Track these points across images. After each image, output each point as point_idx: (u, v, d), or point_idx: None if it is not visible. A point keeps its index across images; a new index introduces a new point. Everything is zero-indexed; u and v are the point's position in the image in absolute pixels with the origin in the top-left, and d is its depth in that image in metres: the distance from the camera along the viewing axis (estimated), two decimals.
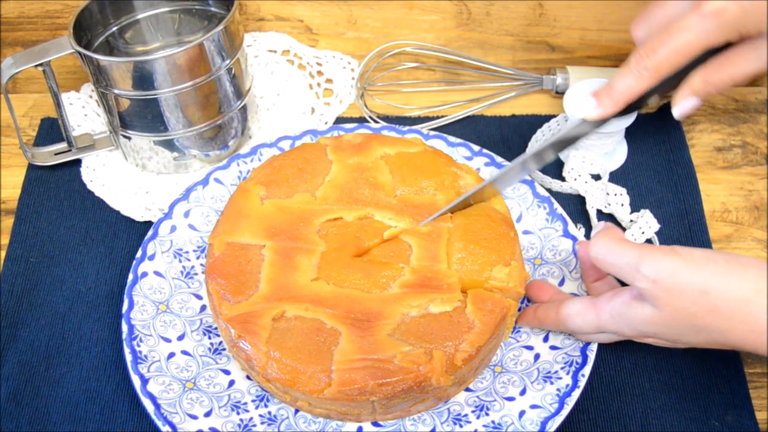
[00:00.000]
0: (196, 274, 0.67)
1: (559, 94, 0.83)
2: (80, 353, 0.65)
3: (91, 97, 0.82)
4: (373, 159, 0.69)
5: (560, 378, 0.60)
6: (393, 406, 0.57)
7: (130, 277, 0.66)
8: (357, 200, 0.66)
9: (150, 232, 0.68)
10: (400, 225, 0.64)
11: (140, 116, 0.71)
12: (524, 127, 0.81)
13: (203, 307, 0.66)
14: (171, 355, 0.62)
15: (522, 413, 0.58)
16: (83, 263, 0.71)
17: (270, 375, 0.57)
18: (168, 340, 0.63)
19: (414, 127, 0.76)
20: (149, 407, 0.58)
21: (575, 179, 0.73)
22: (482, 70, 0.85)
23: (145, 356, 0.61)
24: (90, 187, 0.76)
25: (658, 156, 0.77)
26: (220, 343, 0.64)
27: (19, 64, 0.68)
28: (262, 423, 0.59)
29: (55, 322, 0.67)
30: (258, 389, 0.61)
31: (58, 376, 0.64)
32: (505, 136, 0.81)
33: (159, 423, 0.58)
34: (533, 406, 0.59)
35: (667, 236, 0.71)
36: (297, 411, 0.60)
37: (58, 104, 0.73)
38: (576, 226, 0.71)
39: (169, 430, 0.57)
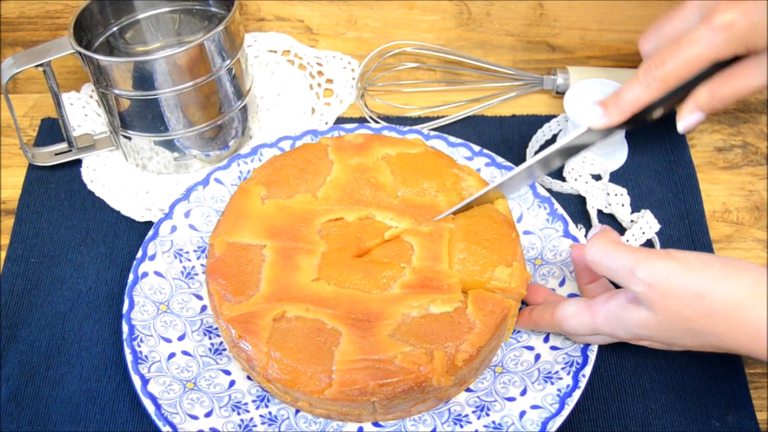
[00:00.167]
0: (196, 274, 0.67)
1: (560, 94, 0.83)
2: (81, 353, 0.65)
3: (91, 97, 0.82)
4: (374, 159, 0.69)
5: (561, 378, 0.60)
6: (393, 406, 0.57)
7: (131, 277, 0.66)
8: (358, 201, 0.66)
9: (150, 233, 0.68)
10: (401, 226, 0.64)
11: (141, 116, 0.71)
12: (525, 127, 0.81)
13: (204, 308, 0.66)
14: (171, 355, 0.62)
15: (523, 413, 0.58)
16: (84, 263, 0.71)
17: (270, 375, 0.57)
18: (168, 341, 0.63)
19: (414, 128, 0.76)
20: (150, 407, 0.58)
21: (576, 179, 0.73)
22: (482, 70, 0.85)
23: (146, 356, 0.61)
24: (90, 187, 0.76)
25: (658, 156, 0.77)
26: (221, 343, 0.64)
27: (20, 64, 0.68)
28: (263, 423, 0.59)
29: (55, 323, 0.67)
30: (258, 389, 0.61)
31: (58, 376, 0.64)
32: (505, 137, 0.81)
33: (159, 423, 0.58)
34: (534, 407, 0.59)
35: (667, 236, 0.71)
36: (297, 411, 0.60)
37: (58, 104, 0.73)
38: (576, 227, 0.71)
39: (170, 430, 0.57)
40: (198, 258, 0.68)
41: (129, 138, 0.74)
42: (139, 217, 0.73)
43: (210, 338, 0.64)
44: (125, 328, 0.63)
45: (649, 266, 0.51)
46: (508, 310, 0.60)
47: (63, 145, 0.76)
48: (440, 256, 0.62)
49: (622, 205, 0.72)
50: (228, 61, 0.71)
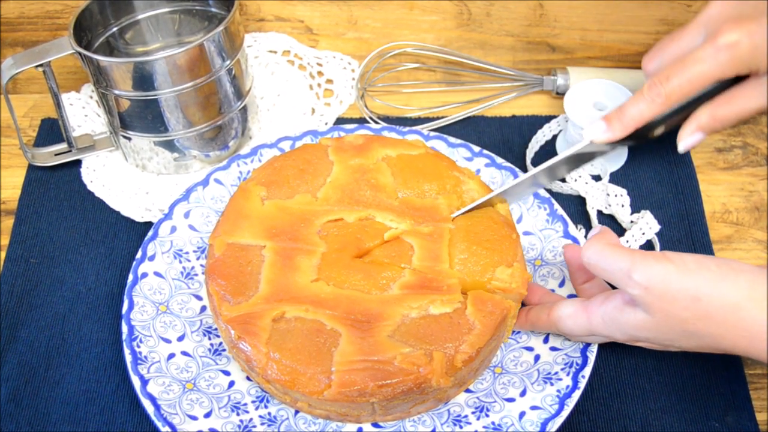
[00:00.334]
0: (196, 274, 0.67)
1: (560, 94, 0.83)
2: (80, 354, 0.65)
3: (91, 97, 0.82)
4: (374, 160, 0.69)
5: (560, 379, 0.60)
6: (393, 407, 0.57)
7: (130, 277, 0.66)
8: (358, 201, 0.66)
9: (150, 233, 0.68)
10: (401, 227, 0.64)
11: (140, 117, 0.71)
12: (525, 127, 0.81)
13: (203, 308, 0.66)
14: (171, 355, 0.62)
15: (522, 414, 0.58)
16: (83, 264, 0.71)
17: (270, 376, 0.57)
18: (168, 341, 0.63)
19: (414, 128, 0.76)
20: (149, 408, 0.58)
21: (576, 180, 0.73)
22: (482, 71, 0.85)
23: (145, 357, 0.61)
24: (90, 187, 0.76)
25: (658, 157, 0.77)
26: (220, 343, 0.64)
27: (20, 64, 0.68)
28: (262, 424, 0.59)
29: (55, 323, 0.67)
30: (258, 390, 0.61)
31: (58, 376, 0.64)
32: (505, 137, 0.81)
33: (159, 424, 0.58)
34: (533, 407, 0.59)
35: (667, 237, 0.71)
36: (297, 412, 0.60)
37: (58, 105, 0.73)
38: (576, 227, 0.71)
39: (169, 430, 0.57)
40: (197, 258, 0.68)
41: (129, 138, 0.74)
42: (139, 217, 0.73)
43: (209, 339, 0.64)
44: (125, 328, 0.63)
45: (646, 269, 0.51)
46: (508, 311, 0.60)
47: (63, 146, 0.76)
48: (441, 257, 0.62)
49: (622, 206, 0.72)
50: (228, 62, 0.71)
